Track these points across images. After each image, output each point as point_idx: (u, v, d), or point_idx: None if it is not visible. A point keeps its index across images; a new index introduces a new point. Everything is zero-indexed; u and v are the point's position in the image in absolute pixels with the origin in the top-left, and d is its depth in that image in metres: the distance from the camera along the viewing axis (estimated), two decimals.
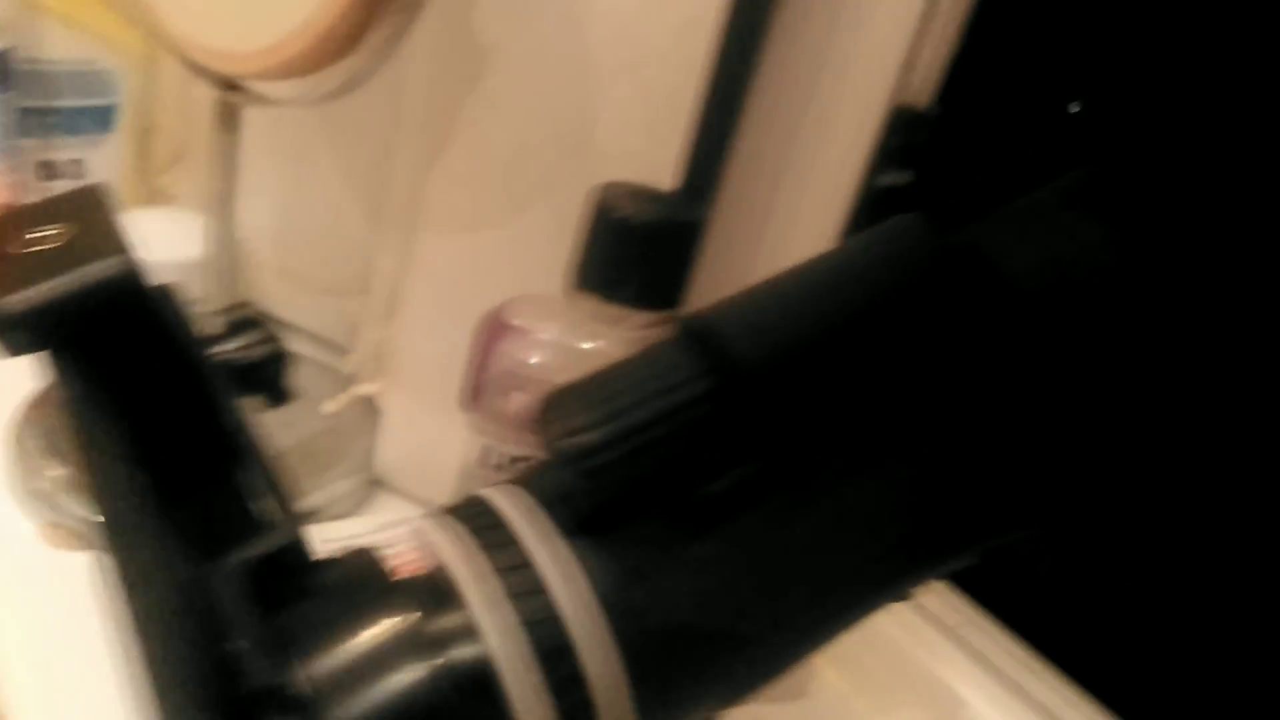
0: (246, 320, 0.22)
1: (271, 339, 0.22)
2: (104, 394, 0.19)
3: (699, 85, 0.37)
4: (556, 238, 0.40)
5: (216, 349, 0.22)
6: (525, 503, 0.18)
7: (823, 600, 0.19)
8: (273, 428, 0.55)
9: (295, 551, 0.19)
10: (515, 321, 0.36)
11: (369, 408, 0.53)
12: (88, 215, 0.21)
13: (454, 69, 0.41)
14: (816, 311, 0.19)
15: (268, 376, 0.23)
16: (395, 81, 0.45)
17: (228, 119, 0.42)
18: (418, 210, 0.45)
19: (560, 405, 0.17)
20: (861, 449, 0.19)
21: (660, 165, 0.40)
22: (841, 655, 0.50)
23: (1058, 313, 0.21)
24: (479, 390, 0.36)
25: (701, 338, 0.18)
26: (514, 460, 0.36)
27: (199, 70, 0.41)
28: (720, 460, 0.18)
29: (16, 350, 0.20)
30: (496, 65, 0.40)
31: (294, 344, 0.60)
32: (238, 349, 0.22)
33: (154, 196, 0.62)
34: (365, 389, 0.51)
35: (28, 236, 0.20)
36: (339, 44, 0.35)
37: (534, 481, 0.18)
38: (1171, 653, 0.42)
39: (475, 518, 0.18)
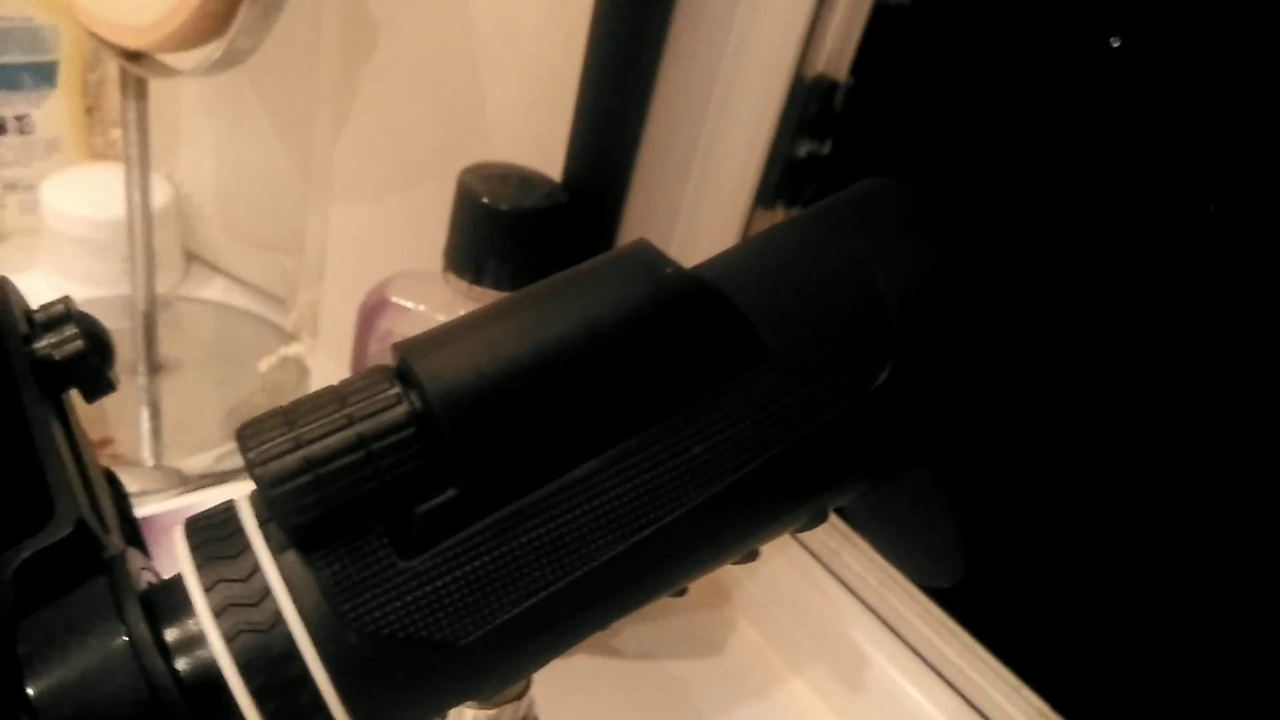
0: (61, 315, 0.23)
1: (89, 334, 0.23)
2: None
3: (579, 59, 0.37)
4: (449, 213, 0.41)
5: (31, 346, 0.23)
6: (252, 518, 0.19)
7: (553, 608, 0.19)
8: (212, 385, 0.57)
9: (78, 548, 0.20)
10: (395, 299, 0.36)
11: (303, 367, 0.54)
12: None
13: (352, 41, 0.41)
14: (526, 346, 0.19)
15: (84, 371, 0.24)
16: (314, 46, 0.45)
17: (135, 88, 0.42)
18: (329, 181, 0.46)
19: (255, 431, 0.18)
20: (579, 464, 0.19)
21: (549, 142, 0.40)
22: (758, 613, 0.51)
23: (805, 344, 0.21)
24: (363, 363, 0.37)
25: (404, 367, 0.19)
26: None
27: (104, 43, 0.41)
28: (427, 483, 0.18)
29: None
30: (388, 38, 0.40)
31: (239, 298, 0.62)
32: (51, 345, 0.23)
33: (108, 148, 0.62)
34: (292, 350, 0.52)
35: None
36: (214, 19, 0.35)
37: (257, 498, 0.19)
38: (1079, 618, 0.43)
39: (215, 527, 0.19)
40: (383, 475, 0.18)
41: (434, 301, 0.36)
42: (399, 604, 0.18)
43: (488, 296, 0.35)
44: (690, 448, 0.20)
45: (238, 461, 0.53)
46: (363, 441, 0.18)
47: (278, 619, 0.17)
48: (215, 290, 0.61)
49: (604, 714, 0.45)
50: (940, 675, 0.46)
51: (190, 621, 0.18)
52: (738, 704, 0.47)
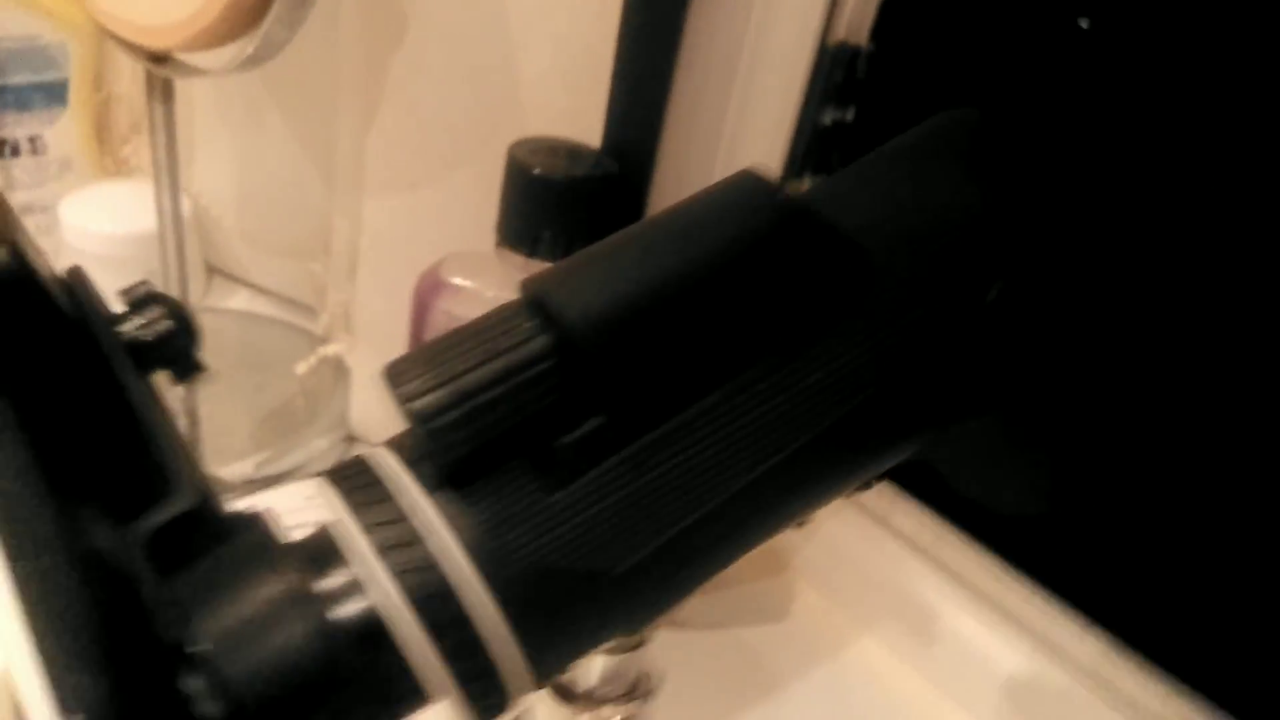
0: (148, 296, 0.23)
1: (174, 314, 0.23)
2: None
3: (613, 35, 0.37)
4: (490, 193, 0.41)
5: (120, 328, 0.23)
6: (397, 461, 0.19)
7: (695, 535, 0.19)
8: (247, 392, 0.57)
9: (202, 515, 0.20)
10: (451, 279, 0.36)
11: (339, 367, 0.54)
12: None
13: (379, 31, 0.41)
14: (652, 272, 0.19)
15: (173, 351, 0.23)
16: (333, 43, 0.45)
17: (162, 91, 0.42)
18: (362, 171, 0.45)
19: (404, 370, 0.18)
20: (709, 392, 0.19)
21: (585, 117, 0.40)
22: (818, 577, 0.51)
23: (904, 266, 0.21)
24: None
25: (537, 301, 0.19)
26: None
27: (128, 46, 0.41)
28: (567, 415, 0.18)
29: None
30: (418, 25, 0.40)
31: (264, 307, 0.61)
32: (140, 326, 0.23)
33: (118, 168, 0.62)
34: (331, 349, 0.52)
35: None
36: (248, 12, 0.35)
37: (401, 442, 0.19)
38: (1135, 548, 0.43)
39: (354, 477, 0.19)
40: (527, 408, 0.18)
41: (489, 279, 0.36)
42: (553, 536, 0.18)
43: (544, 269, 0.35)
44: (810, 375, 0.20)
45: (278, 467, 0.53)
46: (508, 374, 0.18)
47: (440, 557, 0.17)
48: (239, 301, 0.61)
49: (681, 684, 0.44)
50: (1010, 616, 0.46)
51: (349, 567, 0.18)
52: (810, 666, 0.47)
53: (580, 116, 0.40)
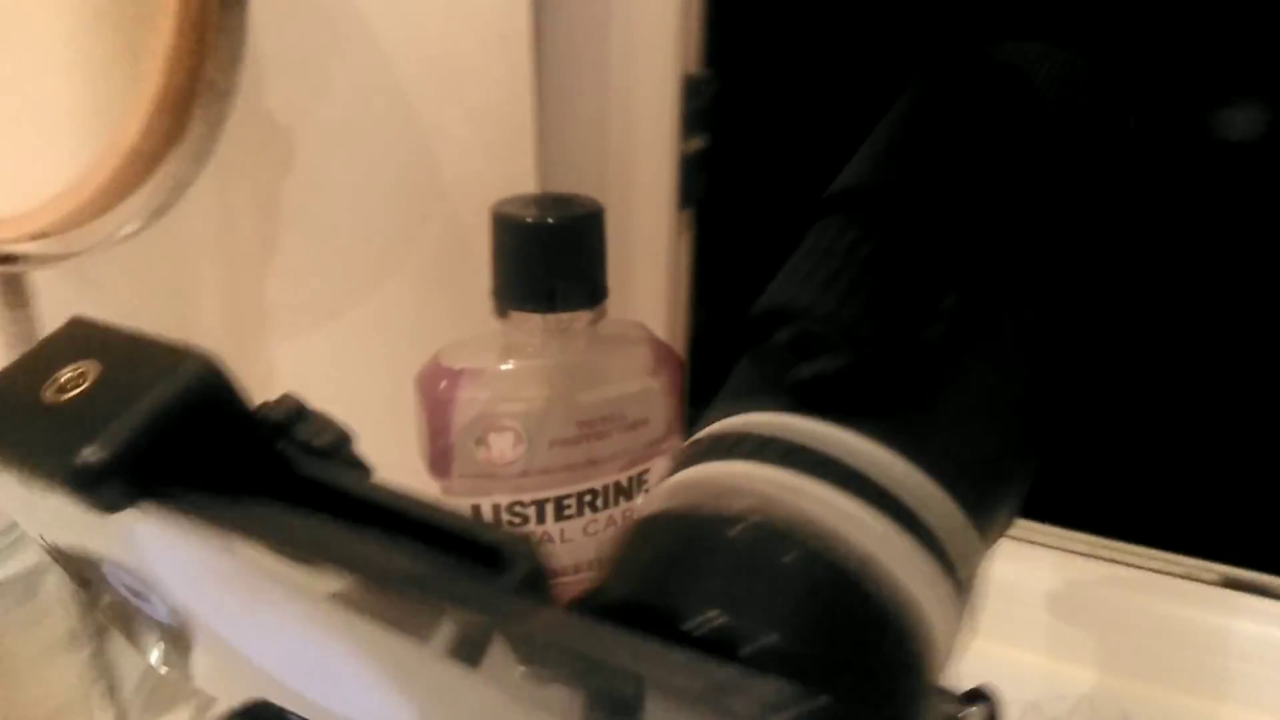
0: (298, 407, 0.20)
1: (331, 422, 0.20)
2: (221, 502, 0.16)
3: (525, 91, 0.37)
4: (431, 283, 0.39)
5: (289, 440, 0.20)
6: (777, 421, 0.17)
7: (1034, 417, 0.19)
8: None
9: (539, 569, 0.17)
10: (460, 366, 0.33)
11: None
12: (99, 346, 0.18)
13: (258, 162, 0.38)
14: (923, 150, 0.19)
15: (345, 458, 0.20)
16: (179, 205, 0.41)
17: (16, 294, 0.36)
18: (264, 322, 0.41)
19: (789, 308, 0.17)
20: (1015, 242, 0.19)
21: (512, 179, 0.39)
22: None
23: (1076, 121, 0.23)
24: (449, 451, 0.33)
25: (850, 202, 0.18)
26: (511, 507, 0.34)
27: None
28: (926, 305, 0.18)
29: (113, 505, 0.16)
30: (308, 140, 0.37)
31: None
32: (309, 434, 0.20)
33: None
34: None
35: (55, 388, 0.17)
36: (146, 158, 0.31)
37: (770, 403, 0.17)
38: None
39: (755, 446, 0.17)
40: (906, 309, 0.17)
41: (499, 353, 0.34)
42: (964, 428, 0.18)
43: (564, 323, 0.33)
44: (1062, 221, 0.21)
45: None
46: (889, 278, 0.17)
47: (882, 487, 0.16)
48: None
49: None
50: (1021, 539, 0.48)
51: (826, 524, 0.16)
52: None
53: (502, 179, 0.39)
